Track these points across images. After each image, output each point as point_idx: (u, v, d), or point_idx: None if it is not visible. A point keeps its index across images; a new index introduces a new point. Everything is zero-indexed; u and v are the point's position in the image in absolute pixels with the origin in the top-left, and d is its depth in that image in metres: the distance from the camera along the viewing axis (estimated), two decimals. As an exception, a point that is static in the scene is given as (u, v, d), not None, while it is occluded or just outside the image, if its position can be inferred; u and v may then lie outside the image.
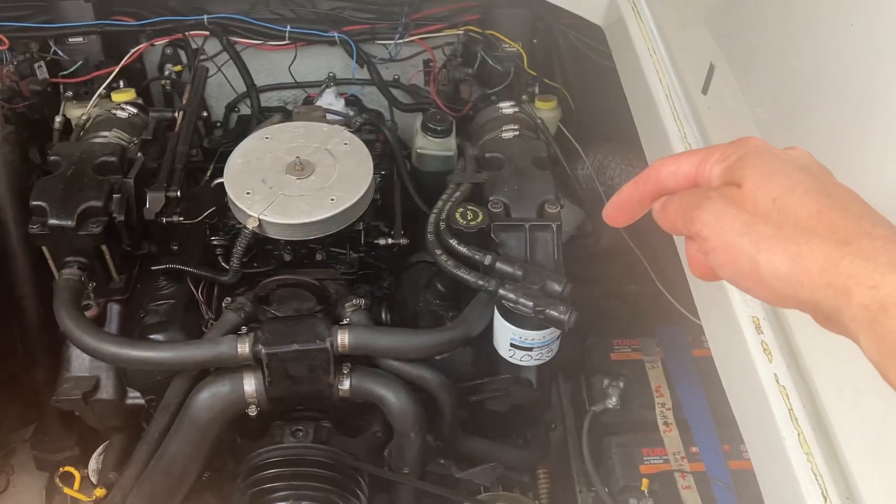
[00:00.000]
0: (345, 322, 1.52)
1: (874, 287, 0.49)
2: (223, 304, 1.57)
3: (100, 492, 1.69)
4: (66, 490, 1.85)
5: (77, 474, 1.85)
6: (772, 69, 1.15)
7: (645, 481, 1.66)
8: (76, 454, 2.04)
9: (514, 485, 1.88)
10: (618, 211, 0.70)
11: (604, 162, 1.96)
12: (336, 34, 2.09)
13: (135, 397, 1.70)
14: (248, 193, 1.52)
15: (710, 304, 1.14)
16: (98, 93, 1.93)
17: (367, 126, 1.93)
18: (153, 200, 1.58)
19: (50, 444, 2.05)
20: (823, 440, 0.88)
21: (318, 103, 2.05)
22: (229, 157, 1.61)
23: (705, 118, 1.30)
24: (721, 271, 0.59)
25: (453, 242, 1.48)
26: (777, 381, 0.94)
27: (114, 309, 1.68)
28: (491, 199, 1.54)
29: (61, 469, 1.90)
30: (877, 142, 0.86)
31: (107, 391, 1.69)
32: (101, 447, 1.87)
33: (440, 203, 1.59)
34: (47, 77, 1.99)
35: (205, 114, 2.12)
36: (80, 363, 1.70)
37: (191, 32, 2.09)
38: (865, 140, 0.88)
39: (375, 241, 1.71)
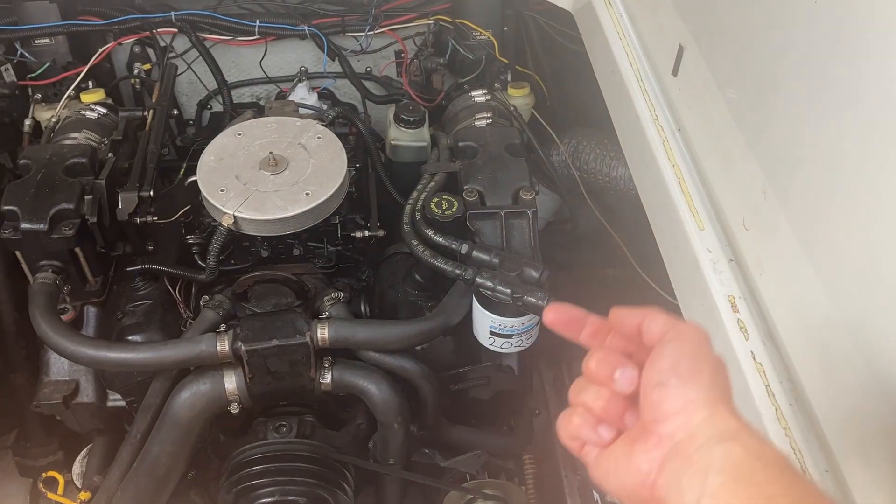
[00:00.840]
0: (324, 316, 1.52)
1: None
2: (201, 303, 1.56)
3: (84, 495, 1.68)
4: (50, 495, 1.84)
5: (61, 479, 1.84)
6: (741, 49, 1.15)
7: (629, 463, 1.67)
8: (59, 459, 2.02)
9: (500, 471, 1.89)
10: (562, 316, 0.74)
11: (578, 147, 1.97)
12: (306, 28, 2.08)
13: (115, 399, 1.70)
14: (222, 191, 1.51)
15: (687, 285, 1.15)
16: (67, 94, 1.91)
17: (340, 119, 1.92)
18: (126, 201, 1.57)
19: (32, 450, 2.03)
20: (801, 414, 0.89)
21: (290, 98, 2.04)
22: (202, 155, 1.59)
23: (676, 100, 1.31)
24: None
25: (429, 232, 1.48)
26: (754, 358, 0.95)
27: (90, 311, 1.66)
28: (466, 187, 1.54)
29: (45, 474, 1.89)
30: (847, 119, 0.87)
31: (87, 394, 1.69)
32: (84, 450, 1.86)
33: (415, 194, 1.59)
34: (14, 80, 1.96)
35: (175, 112, 2.10)
36: (58, 367, 1.68)
37: (158, 30, 2.07)
38: (835, 118, 0.89)
39: (352, 234, 1.70)
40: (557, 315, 0.74)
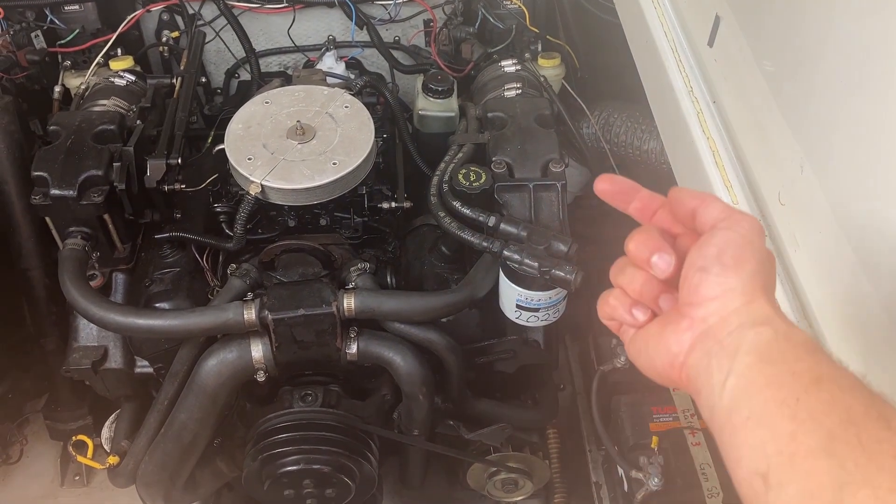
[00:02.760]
0: (350, 286, 1.52)
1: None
2: (228, 271, 1.56)
3: (113, 459, 1.70)
4: (80, 458, 1.87)
5: (90, 443, 1.87)
6: (779, 19, 1.12)
7: (655, 439, 1.67)
8: (88, 423, 2.06)
9: (524, 445, 1.89)
10: (614, 187, 0.76)
11: (609, 119, 1.94)
12: (335, -5, 2.06)
13: (143, 366, 1.71)
14: (249, 159, 1.51)
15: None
16: (96, 61, 1.91)
17: (368, 89, 1.91)
18: (154, 168, 1.57)
19: (62, 414, 2.07)
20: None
21: (318, 67, 2.02)
22: (229, 123, 1.59)
23: (712, 71, 1.28)
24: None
25: (457, 204, 1.47)
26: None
27: (119, 278, 1.68)
28: (494, 159, 1.53)
29: (74, 438, 1.92)
30: (888, 93, 0.84)
31: (115, 360, 1.70)
32: (112, 416, 1.89)
33: (443, 165, 1.58)
34: (45, 46, 1.97)
35: (203, 79, 2.10)
36: (87, 333, 1.70)
37: (187, -3, 2.06)
38: (877, 92, 0.86)
39: (379, 205, 1.69)
40: (609, 185, 0.75)
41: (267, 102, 1.63)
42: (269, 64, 2.24)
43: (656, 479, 1.59)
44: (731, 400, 0.60)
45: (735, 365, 0.60)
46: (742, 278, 0.64)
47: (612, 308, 0.73)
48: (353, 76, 2.01)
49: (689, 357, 0.65)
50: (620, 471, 1.72)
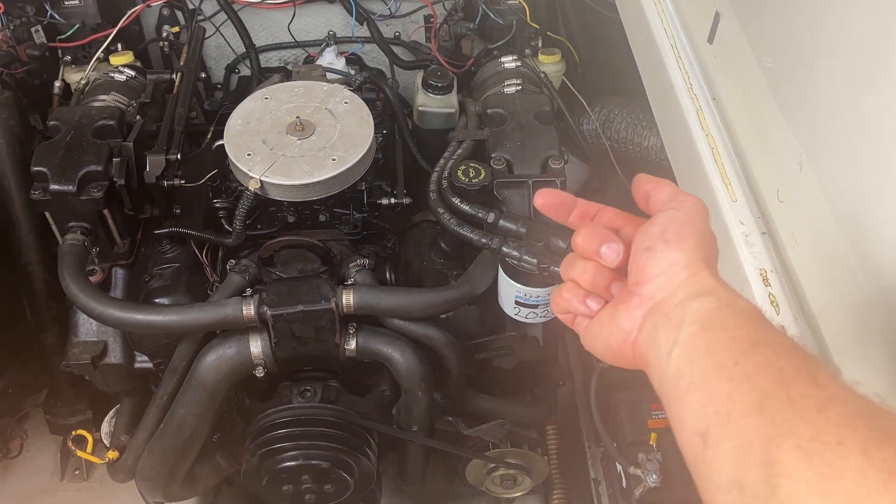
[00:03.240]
0: (349, 282, 1.52)
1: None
2: (227, 267, 1.56)
3: (112, 454, 1.71)
4: (80, 453, 1.87)
5: (90, 437, 1.87)
6: (779, 17, 1.12)
7: (653, 436, 1.66)
8: (88, 418, 2.06)
9: (523, 441, 1.89)
10: (552, 200, 0.81)
11: (609, 116, 1.94)
12: (335, -9, 2.06)
13: (143, 361, 1.71)
14: (248, 155, 1.51)
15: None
16: (96, 56, 1.91)
17: (368, 84, 1.90)
18: (153, 164, 1.57)
19: (62, 409, 2.07)
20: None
21: (318, 63, 2.02)
22: (229, 119, 1.59)
23: (711, 68, 1.28)
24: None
25: (456, 201, 1.47)
26: (785, 333, 0.93)
27: (118, 273, 1.68)
28: (493, 155, 1.53)
29: (74, 432, 1.92)
30: (887, 91, 0.84)
31: (115, 355, 1.70)
32: (112, 410, 1.89)
33: (442, 161, 1.57)
34: (45, 41, 1.97)
35: (203, 75, 2.09)
36: (87, 328, 1.70)
37: (187, -8, 2.06)
38: (876, 90, 0.86)
39: (378, 201, 1.69)
40: (547, 199, 0.80)
41: (266, 98, 1.63)
42: (270, 59, 2.24)
43: (654, 476, 1.59)
44: (676, 368, 0.63)
45: (680, 335, 0.63)
46: (685, 251, 0.67)
47: (566, 301, 0.76)
48: (352, 72, 2.01)
49: (640, 333, 0.68)
50: (619, 467, 1.72)
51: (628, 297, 0.69)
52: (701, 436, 0.58)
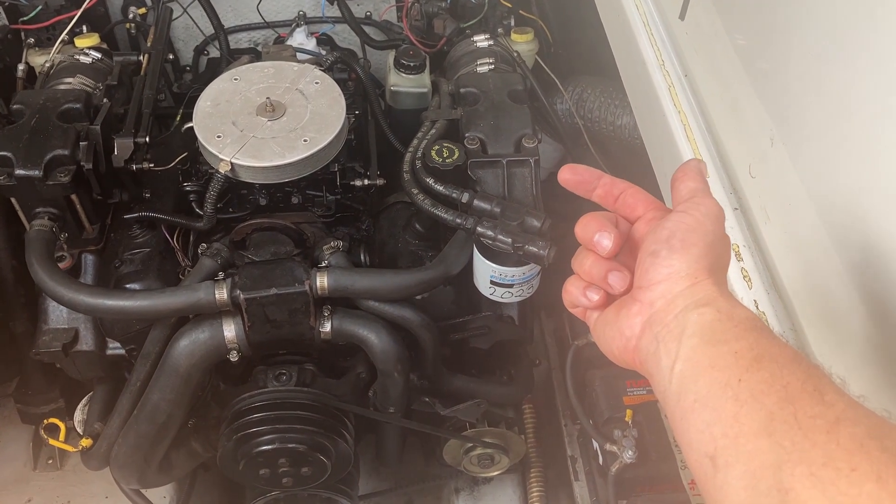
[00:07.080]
0: (323, 265, 1.51)
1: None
2: (199, 251, 1.54)
3: (86, 442, 1.69)
4: (52, 442, 1.85)
5: (62, 425, 1.85)
6: (750, -8, 1.12)
7: (629, 412, 1.68)
8: (60, 406, 2.03)
9: (500, 420, 1.90)
10: (576, 176, 0.78)
11: (583, 95, 1.93)
12: (304, -30, 2.03)
13: (115, 347, 1.69)
14: (218, 137, 1.49)
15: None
16: (60, 38, 1.87)
17: (339, 64, 1.88)
18: (121, 147, 1.54)
19: (33, 397, 2.04)
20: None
21: (288, 43, 2.00)
22: (197, 101, 1.57)
23: (683, 45, 1.28)
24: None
25: (430, 181, 1.46)
26: (757, 306, 0.94)
27: (88, 259, 1.65)
28: (467, 135, 1.52)
29: (46, 421, 1.90)
30: (857, 67, 0.84)
31: (86, 342, 1.68)
32: (85, 398, 1.87)
33: (415, 141, 1.56)
34: (7, 23, 1.92)
35: (171, 57, 2.06)
36: (57, 315, 1.68)
37: (153, -28, 2.02)
38: (846, 65, 0.86)
39: (352, 183, 1.68)
40: (570, 175, 0.78)
41: (236, 79, 1.61)
42: (239, 41, 2.21)
43: (630, 452, 1.61)
44: (679, 385, 0.62)
45: (681, 349, 0.62)
46: (688, 260, 0.65)
47: (571, 295, 0.75)
48: (323, 52, 1.99)
49: (640, 341, 0.67)
50: (595, 444, 1.74)
51: (630, 301, 0.69)
52: (710, 458, 0.57)
